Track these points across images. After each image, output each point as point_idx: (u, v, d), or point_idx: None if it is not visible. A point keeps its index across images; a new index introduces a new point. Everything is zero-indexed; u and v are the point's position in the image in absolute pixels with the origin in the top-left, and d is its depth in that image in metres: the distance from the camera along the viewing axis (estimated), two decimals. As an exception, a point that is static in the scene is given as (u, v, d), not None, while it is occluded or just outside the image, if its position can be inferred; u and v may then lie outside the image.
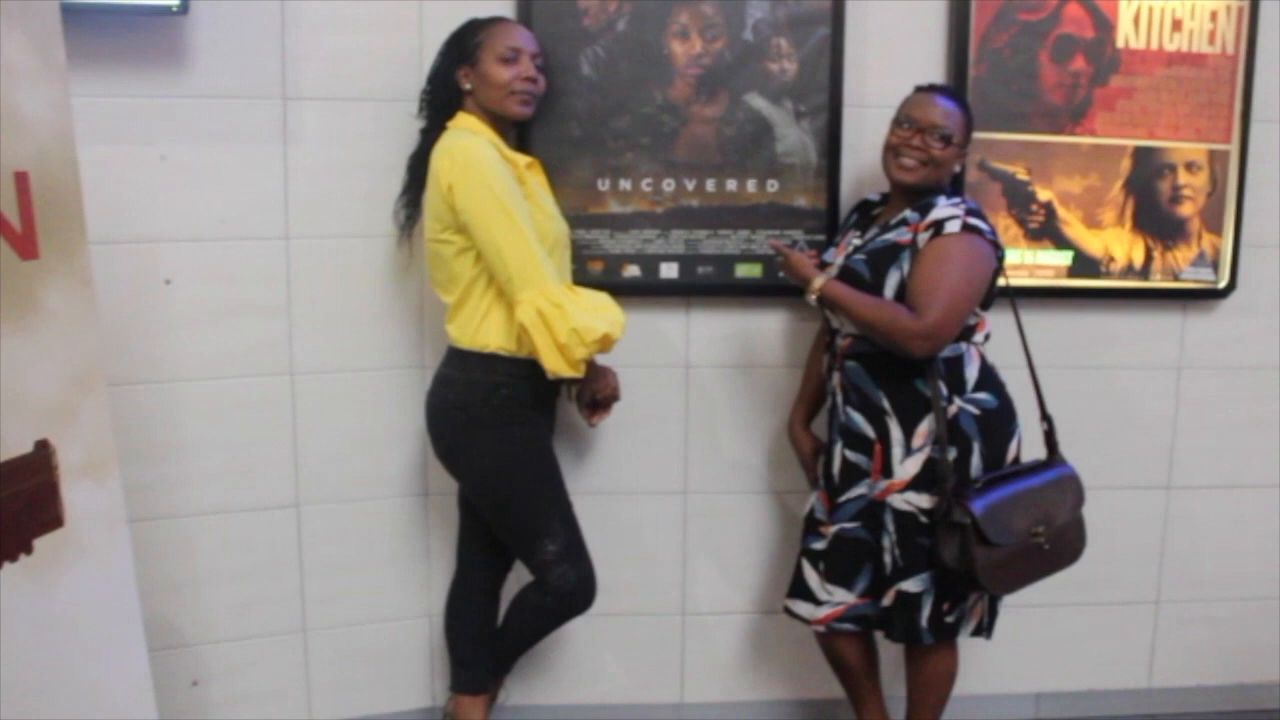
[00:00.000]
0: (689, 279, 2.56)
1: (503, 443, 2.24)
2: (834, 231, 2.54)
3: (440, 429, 2.29)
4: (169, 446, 2.41)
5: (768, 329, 2.65)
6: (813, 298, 2.19)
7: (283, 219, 2.44)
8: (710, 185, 2.53)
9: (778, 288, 2.52)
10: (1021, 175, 2.62)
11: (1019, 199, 2.62)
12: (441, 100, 2.27)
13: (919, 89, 2.31)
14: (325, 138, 2.43)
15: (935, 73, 2.58)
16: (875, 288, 2.20)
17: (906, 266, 2.19)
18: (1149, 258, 2.68)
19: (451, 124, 2.25)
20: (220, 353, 2.43)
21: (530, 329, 2.09)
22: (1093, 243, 2.66)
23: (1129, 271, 2.68)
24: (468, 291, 2.21)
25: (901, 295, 2.19)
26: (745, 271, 2.57)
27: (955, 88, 2.51)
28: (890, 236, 2.24)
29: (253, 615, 2.54)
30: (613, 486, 2.65)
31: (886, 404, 2.24)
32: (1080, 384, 2.69)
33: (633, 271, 2.54)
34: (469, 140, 2.17)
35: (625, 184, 2.52)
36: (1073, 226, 2.65)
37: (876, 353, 2.23)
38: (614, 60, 2.48)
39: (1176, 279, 2.69)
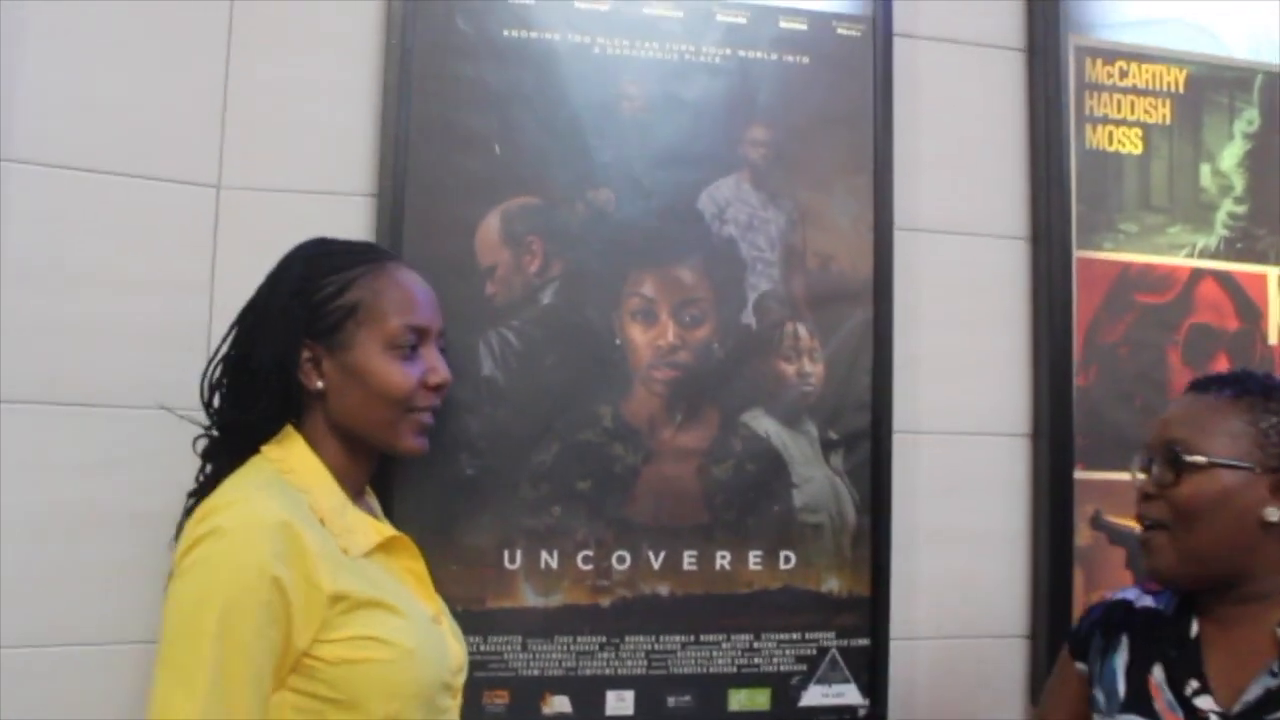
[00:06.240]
0: (654, 716, 1.54)
1: None
2: (883, 630, 1.58)
3: None
4: None
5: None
6: None
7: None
8: (689, 560, 1.55)
9: (796, 724, 1.55)
10: (1153, 536, 1.74)
11: (1153, 574, 1.74)
12: (256, 402, 1.20)
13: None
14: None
15: (1019, 380, 1.73)
16: None
17: None
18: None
19: (266, 448, 1.21)
20: None
21: None
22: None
23: None
24: None
25: None
26: (744, 702, 1.57)
27: (1072, 399, 1.66)
28: None
29: None
30: None
31: None
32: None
33: (559, 707, 1.50)
34: (248, 510, 1.10)
35: (550, 559, 1.51)
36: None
37: None
38: (534, 353, 1.52)
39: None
